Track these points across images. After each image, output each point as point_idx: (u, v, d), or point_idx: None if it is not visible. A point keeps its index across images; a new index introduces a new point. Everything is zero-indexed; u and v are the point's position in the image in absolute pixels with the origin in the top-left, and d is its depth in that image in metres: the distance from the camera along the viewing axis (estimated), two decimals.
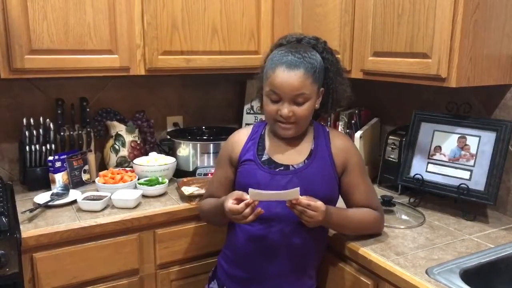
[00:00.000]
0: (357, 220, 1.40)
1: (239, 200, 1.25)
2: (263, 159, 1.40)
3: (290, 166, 1.39)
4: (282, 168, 1.39)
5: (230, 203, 1.26)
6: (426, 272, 1.22)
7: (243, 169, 1.41)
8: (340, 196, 1.45)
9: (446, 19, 1.41)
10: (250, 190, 1.23)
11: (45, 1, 1.64)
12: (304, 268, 1.40)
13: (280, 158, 1.40)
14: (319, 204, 1.25)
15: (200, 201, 1.56)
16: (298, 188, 1.22)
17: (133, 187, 1.83)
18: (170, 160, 2.00)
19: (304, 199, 1.23)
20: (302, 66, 1.30)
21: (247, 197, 1.24)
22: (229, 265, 1.44)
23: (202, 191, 1.70)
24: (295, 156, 1.40)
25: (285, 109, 1.31)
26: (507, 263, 1.34)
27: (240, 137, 1.48)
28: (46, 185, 1.83)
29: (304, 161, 1.39)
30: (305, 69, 1.30)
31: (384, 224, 1.51)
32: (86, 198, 1.68)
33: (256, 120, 2.30)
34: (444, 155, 1.68)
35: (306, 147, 1.42)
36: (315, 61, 1.33)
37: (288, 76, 1.29)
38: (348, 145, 1.45)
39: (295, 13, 2.07)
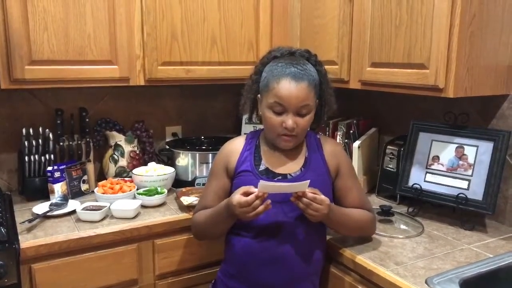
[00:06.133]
0: (355, 219, 1.42)
1: (246, 194, 1.25)
2: (260, 169, 1.41)
3: (288, 175, 1.40)
4: (280, 177, 1.39)
5: (237, 197, 1.25)
6: (426, 282, 1.22)
7: (240, 180, 1.41)
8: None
9: (443, 30, 1.42)
10: (261, 181, 1.23)
11: (45, 12, 1.66)
12: (306, 276, 1.39)
13: (277, 168, 1.41)
14: (324, 197, 1.27)
15: (192, 214, 1.52)
16: (308, 181, 1.23)
17: (132, 197, 1.83)
18: (169, 170, 2.00)
19: (310, 192, 1.25)
20: (306, 78, 1.32)
21: (255, 190, 1.24)
22: (229, 278, 1.42)
23: None
24: (291, 165, 1.42)
25: (290, 120, 1.32)
26: (507, 272, 1.34)
27: (235, 147, 1.48)
28: (45, 195, 1.82)
29: (301, 169, 1.41)
30: (309, 81, 1.32)
31: (383, 233, 1.53)
32: (85, 209, 1.68)
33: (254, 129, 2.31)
34: (442, 165, 1.69)
35: (300, 155, 1.44)
36: (314, 73, 1.36)
37: (294, 88, 1.30)
38: (338, 149, 1.50)
39: (294, 24, 2.09)
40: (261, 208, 1.24)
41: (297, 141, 1.39)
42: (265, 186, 1.23)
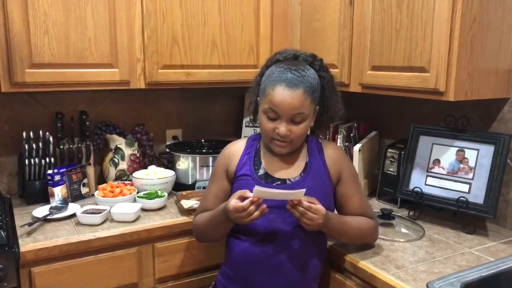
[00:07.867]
0: (355, 227, 1.40)
1: (242, 199, 1.25)
2: (259, 173, 1.40)
3: (287, 180, 1.39)
4: (279, 182, 1.39)
5: (233, 202, 1.25)
6: (427, 286, 1.21)
7: (239, 184, 1.40)
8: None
9: (444, 34, 1.42)
10: (256, 187, 1.22)
11: (46, 16, 1.66)
12: (305, 282, 1.39)
13: (276, 173, 1.40)
14: (320, 207, 1.25)
15: (194, 216, 1.52)
16: (304, 190, 1.22)
17: (132, 200, 1.83)
18: (169, 173, 2.00)
19: (305, 201, 1.24)
20: (302, 85, 1.30)
21: (251, 195, 1.23)
22: (229, 281, 1.42)
23: None
24: (291, 170, 1.41)
25: (283, 128, 1.31)
26: (508, 276, 1.33)
27: (236, 149, 1.48)
28: (45, 198, 1.82)
29: (300, 174, 1.40)
30: (305, 88, 1.30)
31: (384, 237, 1.52)
32: (85, 212, 1.68)
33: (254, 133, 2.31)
34: (443, 168, 1.68)
35: (301, 160, 1.43)
36: (313, 80, 1.34)
37: (288, 95, 1.29)
38: (340, 154, 1.47)
39: (294, 28, 2.09)
40: (256, 213, 1.23)
41: (293, 147, 1.38)
42: (260, 191, 1.22)
